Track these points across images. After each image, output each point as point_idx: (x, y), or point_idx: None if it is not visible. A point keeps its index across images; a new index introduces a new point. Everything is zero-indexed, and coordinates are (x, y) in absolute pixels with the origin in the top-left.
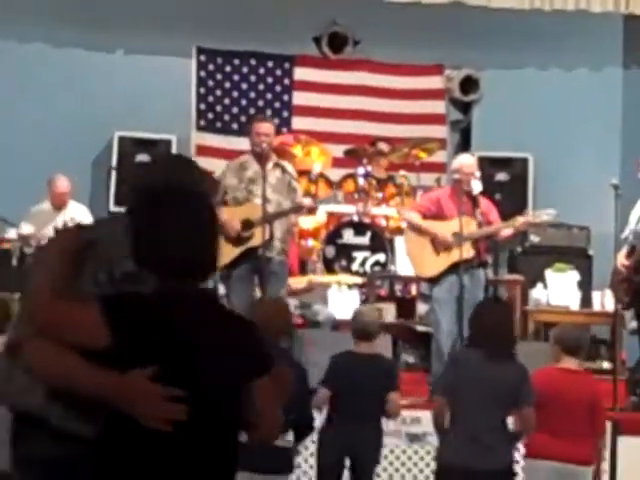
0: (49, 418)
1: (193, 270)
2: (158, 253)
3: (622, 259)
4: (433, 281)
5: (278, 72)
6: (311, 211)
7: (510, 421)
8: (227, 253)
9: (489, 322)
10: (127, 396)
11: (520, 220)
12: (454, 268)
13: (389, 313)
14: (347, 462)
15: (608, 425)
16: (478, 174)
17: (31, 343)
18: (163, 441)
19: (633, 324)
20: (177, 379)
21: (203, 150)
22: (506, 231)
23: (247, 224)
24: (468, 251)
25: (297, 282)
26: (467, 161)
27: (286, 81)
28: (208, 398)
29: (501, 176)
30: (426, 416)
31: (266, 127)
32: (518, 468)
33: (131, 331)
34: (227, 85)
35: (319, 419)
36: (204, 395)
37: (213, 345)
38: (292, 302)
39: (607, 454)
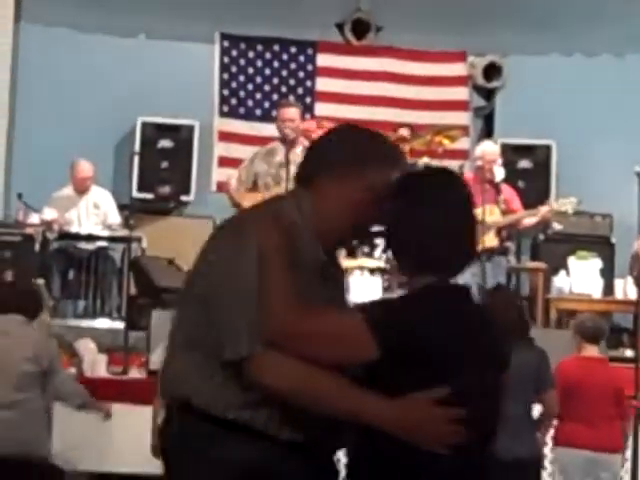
0: (252, 423)
1: (462, 264)
2: (439, 248)
3: None
4: None
5: (301, 58)
6: None
7: (535, 409)
8: None
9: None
10: (406, 423)
11: (543, 209)
12: (479, 257)
13: None
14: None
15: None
16: (500, 161)
17: (267, 359)
18: (438, 462)
19: None
20: (461, 395)
21: (226, 136)
22: (529, 220)
23: None
24: (492, 240)
25: None
26: (489, 148)
27: (309, 67)
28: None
29: (524, 163)
30: None
31: (290, 112)
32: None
33: (403, 341)
34: (250, 71)
35: None
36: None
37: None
38: None
39: (630, 441)
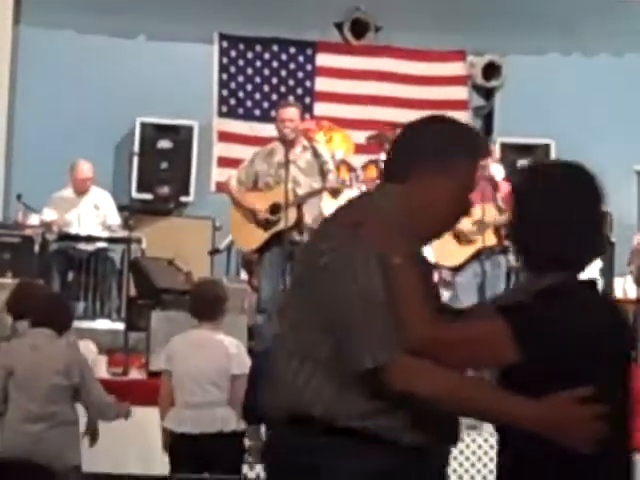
0: (382, 432)
1: (591, 260)
2: (572, 243)
3: None
4: (458, 270)
5: (300, 58)
6: (335, 192)
7: None
8: (257, 237)
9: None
10: (552, 423)
11: None
12: (476, 255)
13: None
14: None
15: None
16: (494, 159)
17: (411, 366)
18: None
19: None
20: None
21: (225, 136)
22: None
23: (275, 208)
24: (490, 238)
25: None
26: None
27: (308, 67)
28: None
29: (523, 162)
30: None
31: (289, 112)
32: None
33: (550, 341)
34: (249, 71)
35: None
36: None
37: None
38: None
39: None
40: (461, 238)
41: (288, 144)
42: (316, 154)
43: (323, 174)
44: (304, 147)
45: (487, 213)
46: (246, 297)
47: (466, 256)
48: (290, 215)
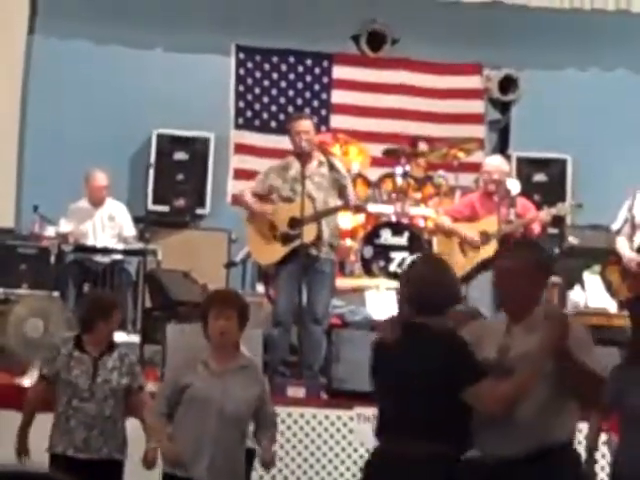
0: None
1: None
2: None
3: (632, 254)
4: (465, 280)
5: (317, 70)
6: (358, 210)
7: None
8: (275, 251)
9: None
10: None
11: (541, 214)
12: (486, 267)
13: None
14: None
15: None
16: (499, 174)
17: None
18: None
19: None
20: None
21: (241, 148)
22: (536, 228)
23: (295, 222)
24: (488, 251)
25: (339, 283)
26: (490, 161)
27: (325, 79)
28: None
29: (539, 177)
30: None
31: (305, 124)
32: None
33: None
34: (266, 83)
35: None
36: None
37: None
38: (334, 302)
39: None
40: (465, 248)
41: (304, 157)
42: (333, 168)
43: (339, 190)
44: (320, 162)
45: (492, 226)
46: (262, 309)
47: (471, 266)
48: (309, 230)
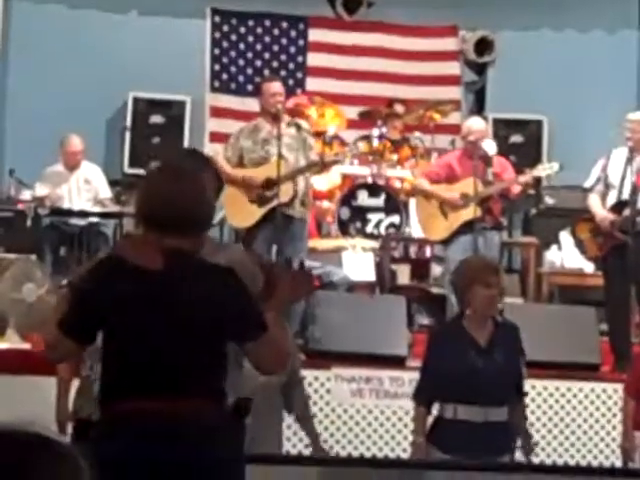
0: None
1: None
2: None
3: (605, 212)
4: (446, 242)
5: (292, 33)
6: (333, 164)
7: None
8: (252, 213)
9: None
10: None
11: (522, 178)
12: (466, 229)
13: (403, 275)
14: None
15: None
16: (481, 135)
17: None
18: None
19: None
20: None
21: (217, 111)
22: (516, 188)
23: (270, 183)
24: (476, 211)
25: (316, 244)
26: (476, 125)
27: (300, 42)
28: None
29: (516, 138)
30: None
31: (278, 86)
32: None
33: None
34: (241, 46)
35: None
36: None
37: None
38: (310, 263)
39: None
40: (446, 210)
41: (276, 119)
42: (300, 129)
43: (307, 149)
44: (288, 123)
45: (472, 188)
46: None
47: (452, 228)
48: (285, 190)
